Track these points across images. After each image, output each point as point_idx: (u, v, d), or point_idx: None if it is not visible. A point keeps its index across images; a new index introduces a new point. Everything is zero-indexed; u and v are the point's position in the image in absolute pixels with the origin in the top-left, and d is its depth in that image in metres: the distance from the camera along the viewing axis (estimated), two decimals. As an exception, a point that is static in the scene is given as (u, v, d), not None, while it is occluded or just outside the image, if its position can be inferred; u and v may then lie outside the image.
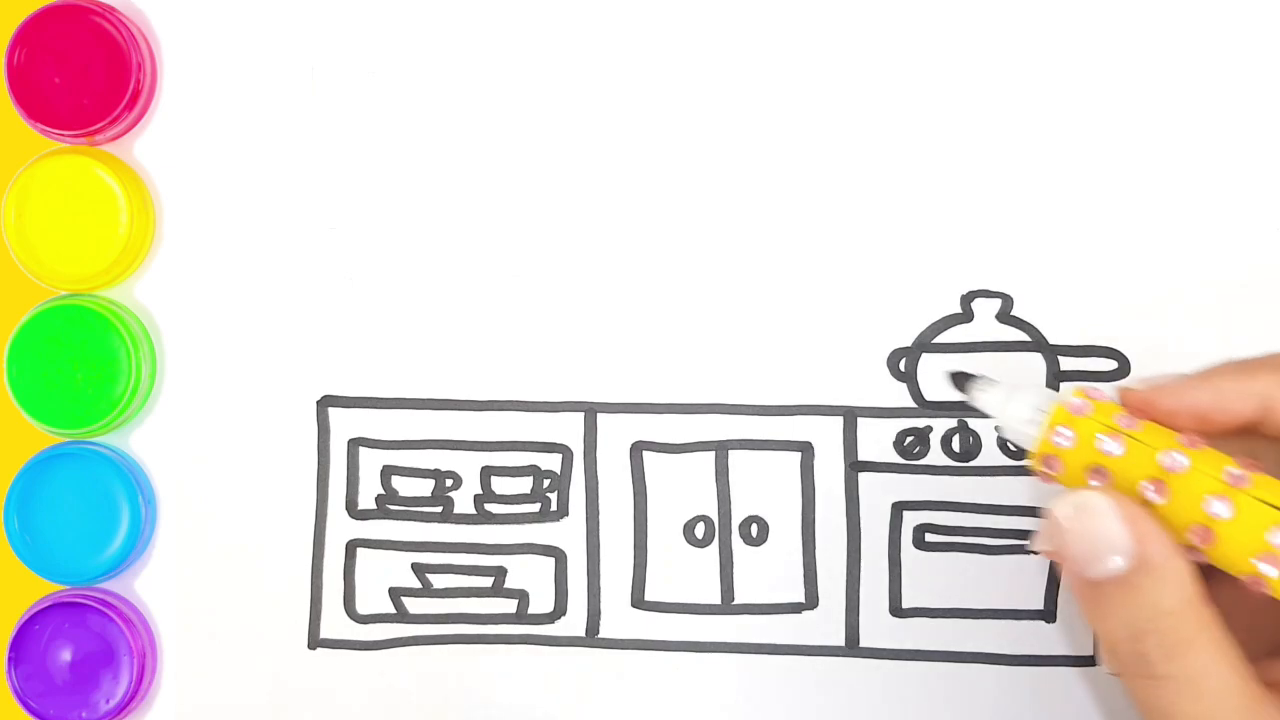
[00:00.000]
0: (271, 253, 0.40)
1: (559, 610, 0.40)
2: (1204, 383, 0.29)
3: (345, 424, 0.40)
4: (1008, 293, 0.39)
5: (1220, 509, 0.26)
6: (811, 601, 0.39)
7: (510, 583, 0.40)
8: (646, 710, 0.39)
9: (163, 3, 0.40)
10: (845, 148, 0.39)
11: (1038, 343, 0.38)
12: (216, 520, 0.40)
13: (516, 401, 0.40)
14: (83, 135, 0.39)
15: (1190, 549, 0.27)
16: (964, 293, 0.39)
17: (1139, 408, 0.29)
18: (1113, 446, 0.28)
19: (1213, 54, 0.39)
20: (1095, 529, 0.27)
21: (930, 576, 0.39)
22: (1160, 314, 0.38)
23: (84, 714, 0.39)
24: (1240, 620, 0.28)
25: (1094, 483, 0.28)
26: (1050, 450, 0.28)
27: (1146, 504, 0.27)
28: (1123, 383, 0.31)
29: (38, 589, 0.40)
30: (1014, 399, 0.29)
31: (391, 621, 0.40)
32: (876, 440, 0.39)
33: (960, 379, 0.31)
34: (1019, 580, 0.38)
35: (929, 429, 0.38)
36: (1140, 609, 0.27)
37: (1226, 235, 0.39)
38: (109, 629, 0.39)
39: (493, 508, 0.40)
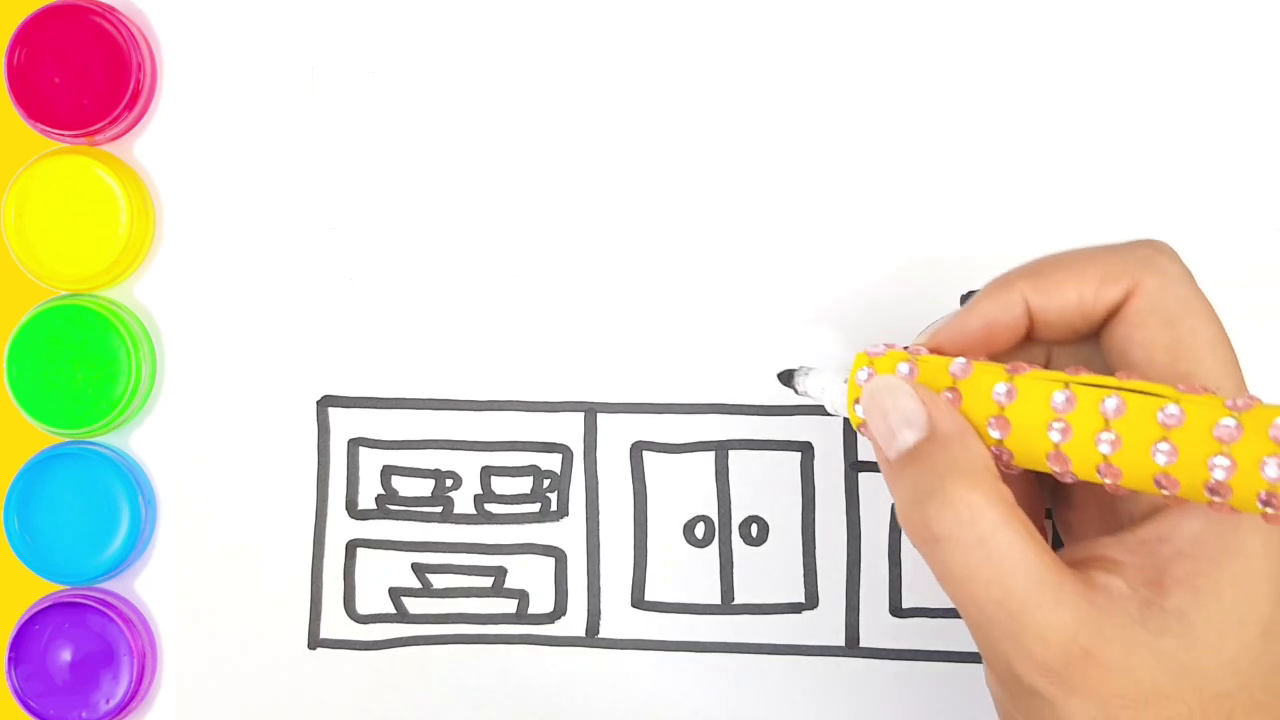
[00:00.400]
0: (271, 253, 0.40)
1: (559, 610, 0.40)
2: (970, 311, 0.31)
3: (345, 424, 0.40)
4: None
5: (1003, 394, 0.29)
6: (811, 601, 0.39)
7: (510, 583, 0.40)
8: (646, 710, 0.39)
9: (163, 3, 0.40)
10: (844, 150, 0.39)
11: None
12: (216, 520, 0.40)
13: (516, 401, 0.40)
14: (83, 135, 0.39)
15: (999, 450, 0.29)
16: (963, 293, 0.39)
17: (932, 351, 0.31)
18: (908, 370, 0.30)
19: (1210, 53, 0.39)
20: (893, 405, 0.30)
21: (930, 576, 0.39)
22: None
23: (84, 714, 0.39)
24: (1078, 513, 0.32)
25: (864, 382, 0.31)
26: (860, 395, 0.31)
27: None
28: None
29: (38, 589, 0.40)
30: (828, 373, 0.33)
31: (391, 621, 0.40)
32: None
33: (785, 377, 0.35)
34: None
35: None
36: (927, 474, 0.28)
37: (1226, 235, 0.39)
38: (109, 629, 0.39)
39: (493, 508, 0.40)
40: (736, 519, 0.40)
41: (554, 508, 0.40)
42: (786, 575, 0.39)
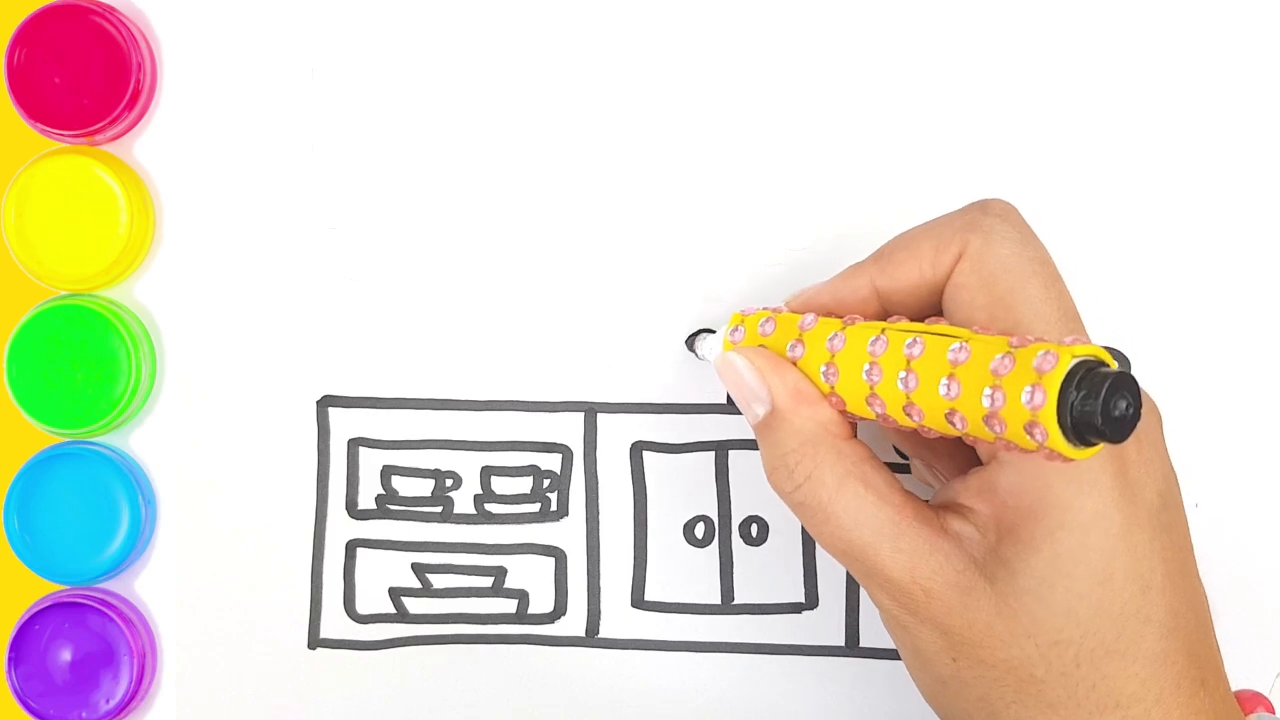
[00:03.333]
0: (271, 253, 0.40)
1: (559, 610, 0.40)
2: (825, 287, 0.34)
3: (345, 424, 0.40)
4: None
5: (837, 342, 0.31)
6: (811, 601, 0.39)
7: (510, 583, 0.40)
8: (646, 710, 0.39)
9: (163, 3, 0.40)
10: (842, 153, 0.39)
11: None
12: (216, 520, 0.40)
13: (516, 401, 0.40)
14: (83, 135, 0.39)
15: (837, 400, 0.31)
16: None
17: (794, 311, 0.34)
18: (768, 328, 0.33)
19: (1207, 53, 0.39)
20: (739, 382, 0.33)
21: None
22: (1160, 314, 0.39)
23: (84, 714, 0.39)
24: (942, 449, 0.34)
25: (734, 339, 0.34)
26: (731, 348, 0.34)
27: (792, 362, 0.32)
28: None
29: (38, 589, 0.40)
30: (715, 336, 0.36)
31: (391, 621, 0.40)
32: (876, 440, 0.39)
33: (689, 342, 0.38)
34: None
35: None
36: (776, 445, 0.31)
37: (1223, 236, 0.39)
38: (109, 629, 0.39)
39: (493, 508, 0.40)
40: (736, 519, 0.40)
41: (554, 508, 0.40)
42: (786, 575, 0.39)
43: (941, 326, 0.29)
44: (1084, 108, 0.39)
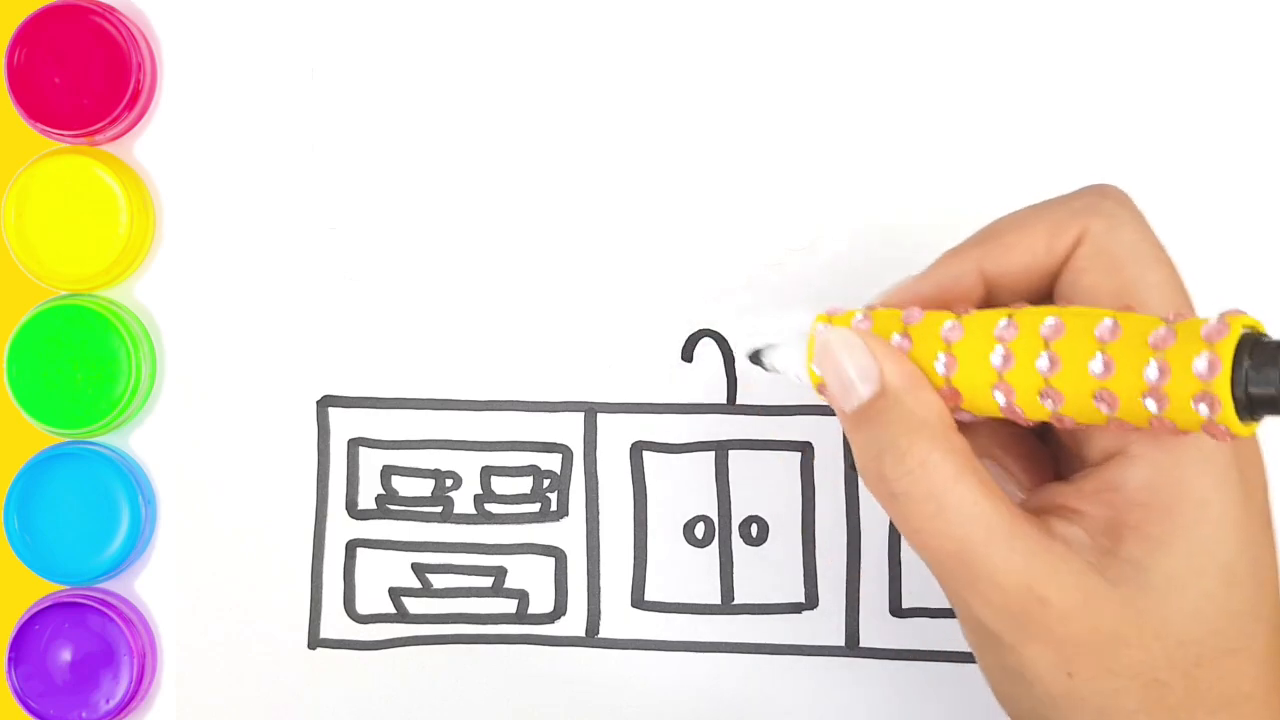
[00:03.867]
0: (271, 253, 0.40)
1: (559, 610, 0.40)
2: (925, 276, 0.31)
3: (345, 424, 0.40)
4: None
5: (952, 331, 0.29)
6: (811, 601, 0.39)
7: (510, 583, 0.40)
8: (646, 710, 0.39)
9: (163, 3, 0.40)
10: (841, 151, 0.39)
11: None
12: (217, 520, 0.40)
13: (516, 401, 0.40)
14: (83, 135, 0.39)
15: (948, 393, 0.29)
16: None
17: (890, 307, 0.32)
18: (864, 324, 0.31)
19: (1200, 55, 0.39)
20: (846, 359, 0.29)
21: (930, 576, 0.39)
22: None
23: (84, 714, 0.39)
24: (1017, 452, 0.31)
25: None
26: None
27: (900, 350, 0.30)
28: None
29: (38, 589, 0.40)
30: (791, 344, 0.33)
31: (391, 621, 0.40)
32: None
33: (754, 356, 0.34)
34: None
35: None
36: (882, 429, 0.29)
37: (1223, 237, 0.39)
38: (109, 629, 0.39)
39: (493, 508, 0.40)
40: (736, 519, 0.40)
41: (554, 508, 0.40)
42: (786, 575, 0.39)
43: (1077, 308, 0.28)
44: (1086, 106, 0.39)
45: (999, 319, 0.28)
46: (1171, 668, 0.28)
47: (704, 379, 0.40)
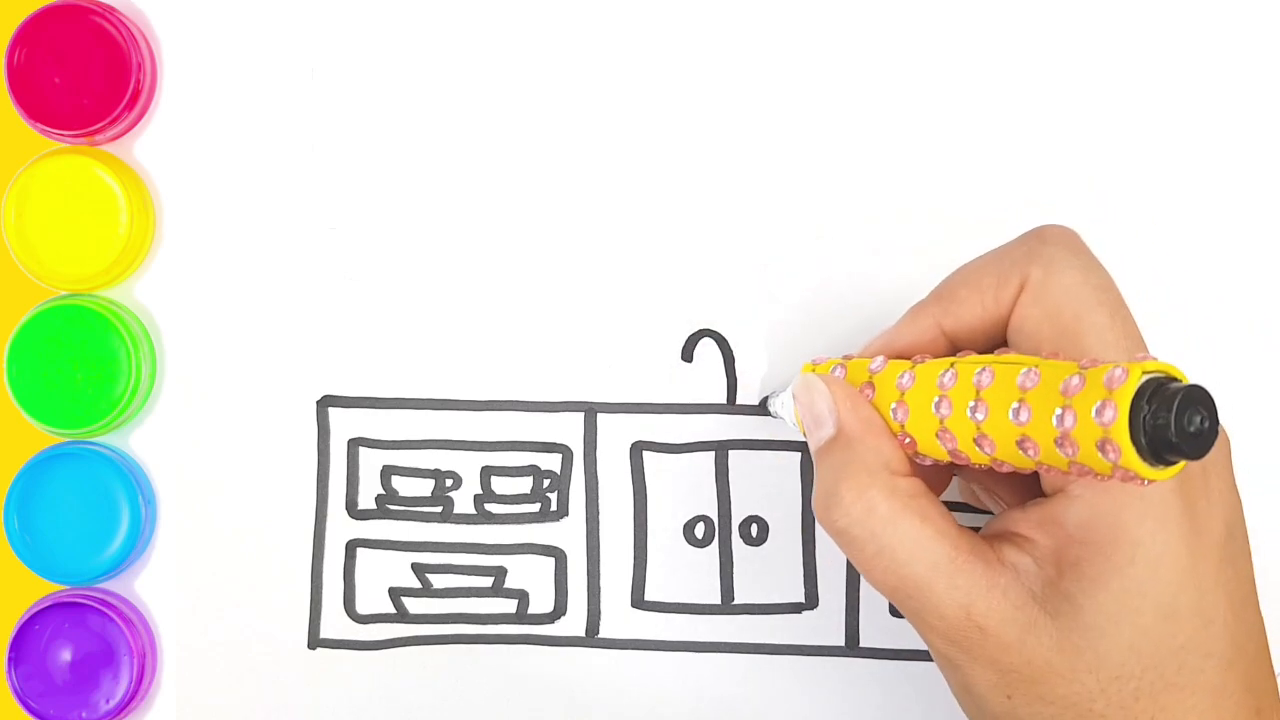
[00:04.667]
0: (271, 253, 0.40)
1: (559, 610, 0.40)
2: (892, 332, 0.33)
3: (345, 424, 0.40)
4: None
5: (906, 380, 0.31)
6: (811, 601, 0.39)
7: (510, 583, 0.40)
8: (646, 710, 0.39)
9: (163, 3, 0.40)
10: (841, 152, 0.39)
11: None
12: (216, 520, 0.40)
13: (516, 401, 0.40)
14: (83, 135, 0.39)
15: (906, 439, 0.31)
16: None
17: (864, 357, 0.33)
18: (838, 374, 0.33)
19: (1199, 55, 0.39)
20: (811, 403, 0.32)
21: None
22: (1163, 321, 0.39)
23: (84, 714, 0.39)
24: (1000, 476, 0.33)
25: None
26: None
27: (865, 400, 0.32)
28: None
29: (38, 589, 0.40)
30: (786, 391, 0.36)
31: (391, 621, 0.40)
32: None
33: (762, 406, 0.39)
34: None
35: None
36: (832, 470, 0.31)
37: (1227, 237, 0.39)
38: (109, 629, 0.39)
39: (493, 508, 0.40)
40: (736, 519, 0.40)
41: (554, 508, 0.40)
42: (786, 575, 0.39)
43: (1011, 356, 0.29)
44: (1086, 107, 0.39)
45: (943, 369, 0.30)
46: (1107, 701, 0.28)
47: (704, 379, 0.40)
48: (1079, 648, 0.28)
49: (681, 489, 0.40)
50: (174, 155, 0.40)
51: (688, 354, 0.40)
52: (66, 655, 0.39)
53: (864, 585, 0.39)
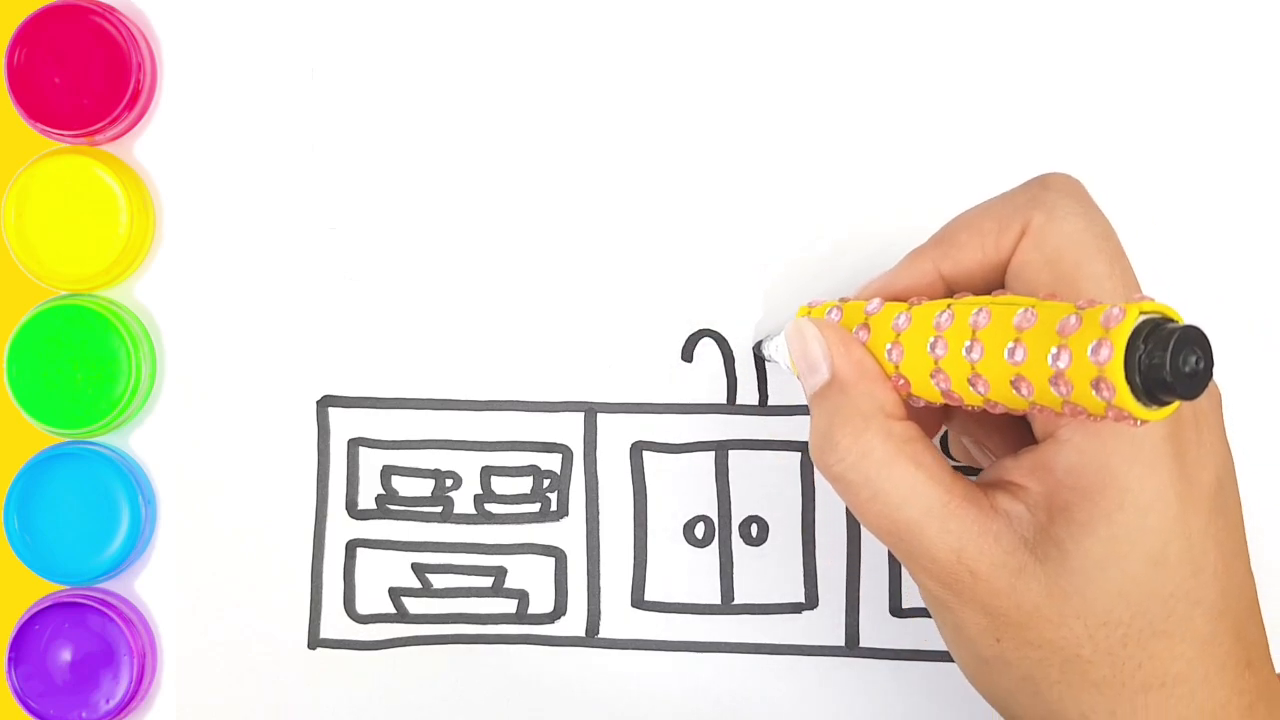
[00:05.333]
0: (271, 253, 0.40)
1: (559, 610, 0.40)
2: (890, 275, 0.33)
3: (345, 424, 0.40)
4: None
5: (901, 321, 0.31)
6: (811, 601, 0.39)
7: (510, 583, 0.40)
8: (646, 710, 0.39)
9: (163, 3, 0.40)
10: (839, 147, 0.39)
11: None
12: (216, 520, 0.40)
13: (516, 401, 0.40)
14: (83, 135, 0.39)
15: (900, 381, 0.31)
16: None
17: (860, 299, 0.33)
18: (834, 315, 0.33)
19: (1198, 56, 0.39)
20: (804, 349, 0.32)
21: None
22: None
23: (84, 714, 0.39)
24: (993, 426, 0.33)
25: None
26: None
27: (859, 343, 0.32)
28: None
29: (38, 589, 0.40)
30: (782, 335, 0.35)
31: (391, 621, 0.40)
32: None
33: (757, 349, 0.39)
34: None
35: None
36: (829, 416, 0.31)
37: (1228, 237, 0.39)
38: (109, 629, 0.39)
39: (493, 508, 0.40)
40: (736, 519, 0.40)
41: (554, 508, 0.40)
42: (786, 575, 0.39)
43: (1008, 297, 0.29)
44: (1086, 112, 0.39)
45: (939, 309, 0.30)
46: (1095, 646, 0.29)
47: (704, 379, 0.40)
48: (1067, 593, 0.28)
49: (681, 489, 0.40)
50: (174, 155, 0.40)
51: (688, 354, 0.40)
52: (66, 655, 0.39)
53: (864, 585, 0.39)
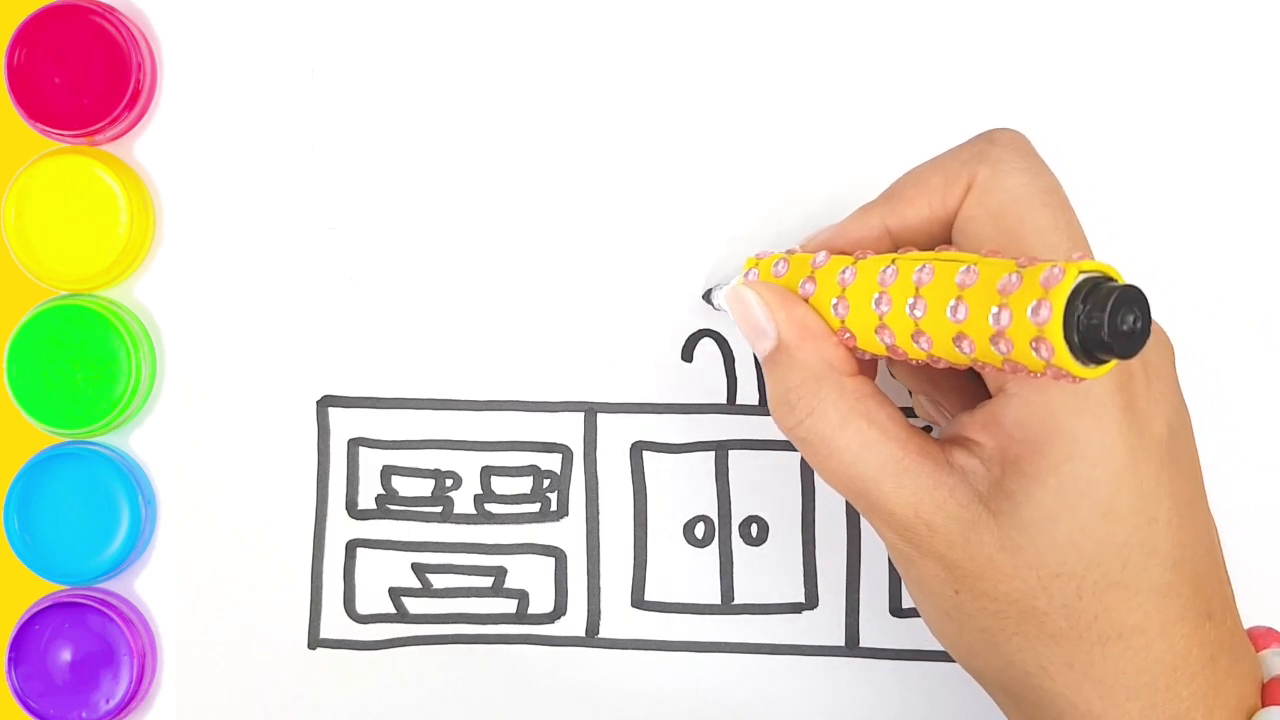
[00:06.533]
0: (271, 253, 0.40)
1: (559, 610, 0.40)
2: (838, 228, 0.33)
3: (345, 424, 0.40)
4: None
5: (847, 275, 0.31)
6: (811, 601, 0.39)
7: (510, 583, 0.40)
8: (646, 710, 0.39)
9: (163, 3, 0.40)
10: (845, 154, 0.39)
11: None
12: (216, 520, 0.40)
13: (516, 401, 0.40)
14: (83, 135, 0.39)
15: (846, 335, 0.31)
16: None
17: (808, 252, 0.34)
18: (781, 268, 0.33)
19: (1197, 57, 0.39)
20: (747, 316, 0.32)
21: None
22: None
23: (84, 714, 0.39)
24: (948, 384, 0.34)
25: (749, 279, 0.34)
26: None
27: (804, 299, 0.32)
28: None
29: (38, 589, 0.40)
30: (729, 284, 0.35)
31: (391, 621, 0.40)
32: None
33: (707, 295, 0.38)
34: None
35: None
36: (781, 379, 0.31)
37: (1228, 237, 0.39)
38: (109, 629, 0.39)
39: (493, 508, 0.40)
40: (736, 519, 0.40)
41: (554, 508, 0.40)
42: (786, 575, 0.39)
43: (951, 253, 0.29)
44: (1084, 112, 0.39)
45: (884, 265, 0.30)
46: (1049, 598, 0.29)
47: (704, 379, 0.40)
48: (1019, 545, 0.29)
49: (681, 489, 0.40)
50: (174, 155, 0.40)
51: (688, 354, 0.40)
52: (66, 655, 0.39)
53: (864, 585, 0.39)
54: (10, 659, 0.39)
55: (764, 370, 0.32)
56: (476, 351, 0.40)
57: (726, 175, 0.39)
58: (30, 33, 0.39)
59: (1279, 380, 0.39)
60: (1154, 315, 0.25)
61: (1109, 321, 0.24)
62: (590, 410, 0.40)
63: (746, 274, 0.35)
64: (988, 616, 0.30)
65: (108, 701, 0.39)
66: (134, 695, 0.39)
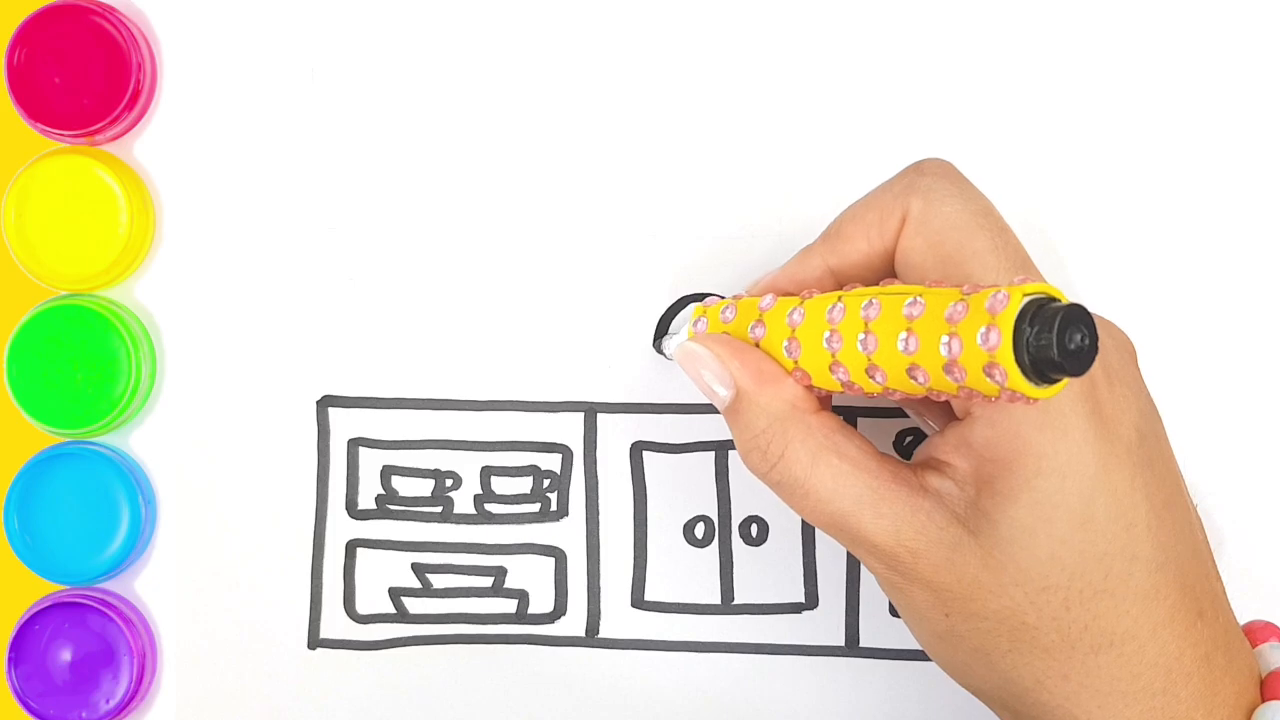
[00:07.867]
0: (271, 253, 0.40)
1: (559, 610, 0.40)
2: (781, 272, 0.34)
3: (345, 424, 0.40)
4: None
5: (796, 316, 0.31)
6: (811, 601, 0.39)
7: (510, 583, 0.40)
8: (646, 710, 0.39)
9: (163, 3, 0.40)
10: (846, 154, 0.39)
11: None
12: (216, 520, 0.40)
13: (516, 401, 0.40)
14: (83, 135, 0.39)
15: (801, 375, 0.31)
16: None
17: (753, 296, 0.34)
18: (728, 314, 0.34)
19: (1194, 55, 0.39)
20: (701, 371, 0.33)
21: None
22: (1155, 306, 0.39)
23: (84, 714, 0.39)
24: (927, 401, 0.33)
25: (697, 330, 0.35)
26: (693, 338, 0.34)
27: (754, 343, 0.32)
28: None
29: (38, 589, 0.40)
30: (677, 335, 0.36)
31: (391, 621, 0.40)
32: (876, 440, 0.39)
33: (657, 346, 0.39)
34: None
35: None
36: (746, 428, 0.31)
37: (1228, 237, 0.39)
38: (109, 629, 0.39)
39: (493, 508, 0.40)
40: (736, 519, 0.40)
41: (554, 508, 0.40)
42: (786, 575, 0.39)
43: (896, 286, 0.29)
44: (1083, 112, 0.39)
45: (831, 303, 0.30)
46: (1038, 613, 0.29)
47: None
48: (1001, 563, 0.29)
49: (681, 489, 0.40)
50: (174, 155, 0.40)
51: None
52: (66, 655, 0.39)
53: (864, 585, 0.39)
54: (10, 659, 0.39)
55: (727, 422, 0.32)
56: (476, 351, 0.40)
57: (726, 176, 0.39)
58: (30, 33, 0.39)
59: (1274, 377, 0.39)
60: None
61: (1058, 341, 0.25)
62: (590, 410, 0.40)
63: (695, 323, 0.35)
64: (980, 636, 0.30)
65: (108, 701, 0.39)
66: (134, 695, 0.39)
